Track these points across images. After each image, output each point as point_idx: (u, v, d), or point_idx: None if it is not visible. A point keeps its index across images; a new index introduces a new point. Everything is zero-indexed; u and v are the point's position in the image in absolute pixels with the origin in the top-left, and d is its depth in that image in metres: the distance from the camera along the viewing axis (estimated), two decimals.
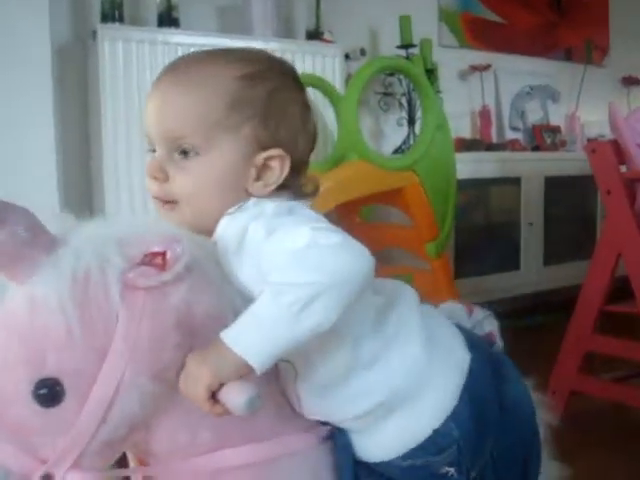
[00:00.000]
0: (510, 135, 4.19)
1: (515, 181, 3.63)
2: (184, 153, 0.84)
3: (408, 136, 3.51)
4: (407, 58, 3.36)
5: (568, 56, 4.54)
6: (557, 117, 4.38)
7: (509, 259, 3.63)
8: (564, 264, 3.75)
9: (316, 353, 0.82)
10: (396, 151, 3.47)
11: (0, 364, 0.74)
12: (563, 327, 2.44)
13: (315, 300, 0.72)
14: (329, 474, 0.89)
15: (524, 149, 4.06)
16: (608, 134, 3.17)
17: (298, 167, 0.89)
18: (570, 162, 3.79)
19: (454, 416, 0.87)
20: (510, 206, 3.64)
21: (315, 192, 0.93)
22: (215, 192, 0.84)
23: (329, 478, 0.88)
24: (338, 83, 2.97)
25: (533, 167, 3.71)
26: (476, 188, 3.44)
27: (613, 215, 2.31)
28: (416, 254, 2.73)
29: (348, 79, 3.03)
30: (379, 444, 0.88)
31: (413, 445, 0.86)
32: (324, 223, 0.81)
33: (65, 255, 0.74)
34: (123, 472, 0.86)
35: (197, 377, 0.73)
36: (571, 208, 3.88)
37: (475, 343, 0.96)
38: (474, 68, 3.99)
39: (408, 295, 0.92)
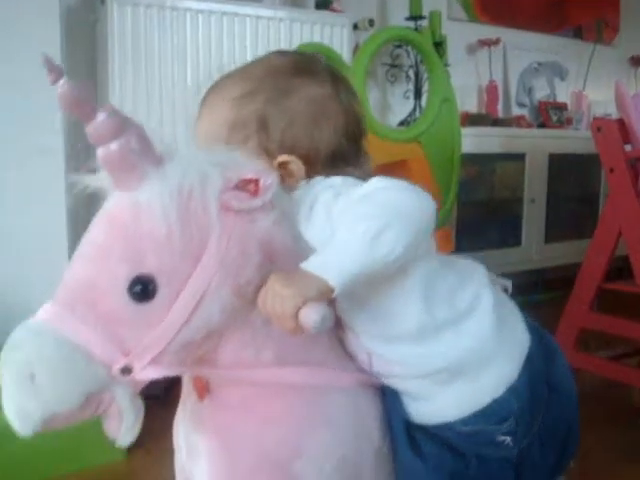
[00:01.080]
0: (516, 111, 4.19)
1: (519, 157, 3.64)
2: None
3: (414, 109, 3.51)
4: (416, 30, 3.35)
5: (577, 34, 4.52)
6: (564, 95, 4.38)
7: (511, 235, 3.65)
8: (565, 242, 3.77)
9: (389, 302, 0.89)
10: (402, 123, 3.48)
11: (102, 258, 0.80)
12: (563, 304, 2.46)
13: (385, 230, 0.78)
14: (372, 421, 0.95)
15: (530, 126, 4.05)
16: (614, 113, 3.19)
17: (332, 158, 0.95)
18: (575, 140, 3.80)
19: (514, 390, 0.94)
20: (513, 182, 3.65)
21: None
22: None
23: (371, 424, 0.95)
24: (346, 53, 2.96)
25: (538, 144, 3.71)
26: (480, 163, 3.44)
27: (616, 193, 2.32)
28: None
29: (356, 49, 3.02)
30: (441, 406, 0.94)
31: (473, 411, 0.93)
32: None
33: (172, 170, 0.81)
34: (193, 371, 0.90)
35: (283, 296, 0.77)
36: (574, 186, 3.89)
37: (530, 325, 1.03)
38: (483, 43, 3.98)
39: (481, 274, 0.98)
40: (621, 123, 2.33)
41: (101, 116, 0.76)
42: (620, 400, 2.40)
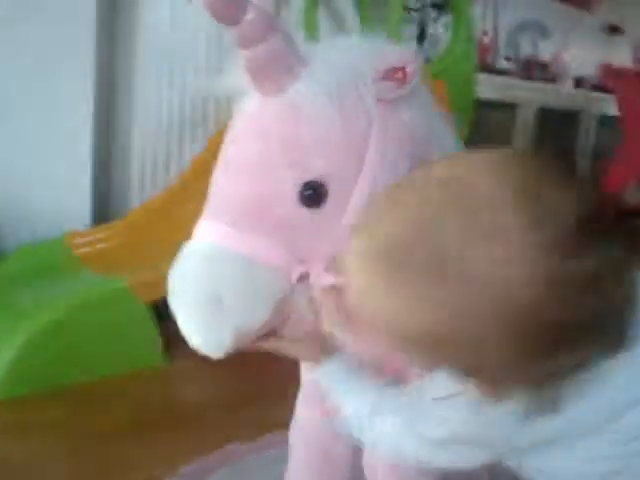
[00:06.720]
0: (502, 64, 4.42)
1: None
2: None
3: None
4: None
5: None
6: (546, 53, 4.64)
7: None
8: None
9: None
10: None
11: (263, 171, 0.75)
12: None
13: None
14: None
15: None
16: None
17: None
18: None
19: None
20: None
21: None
22: None
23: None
24: None
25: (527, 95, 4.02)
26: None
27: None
28: None
29: None
30: None
31: None
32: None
33: (321, 67, 0.75)
34: None
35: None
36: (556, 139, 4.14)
37: None
38: None
39: None
40: None
41: (248, 17, 0.70)
42: None
